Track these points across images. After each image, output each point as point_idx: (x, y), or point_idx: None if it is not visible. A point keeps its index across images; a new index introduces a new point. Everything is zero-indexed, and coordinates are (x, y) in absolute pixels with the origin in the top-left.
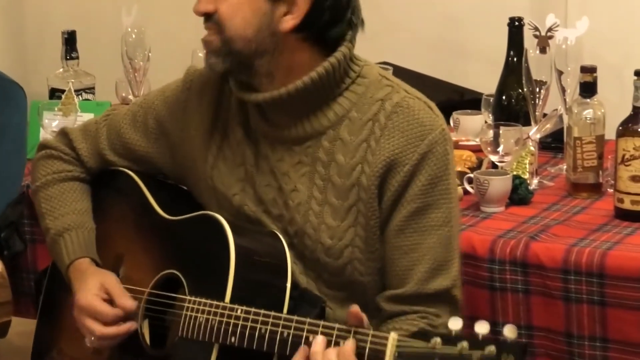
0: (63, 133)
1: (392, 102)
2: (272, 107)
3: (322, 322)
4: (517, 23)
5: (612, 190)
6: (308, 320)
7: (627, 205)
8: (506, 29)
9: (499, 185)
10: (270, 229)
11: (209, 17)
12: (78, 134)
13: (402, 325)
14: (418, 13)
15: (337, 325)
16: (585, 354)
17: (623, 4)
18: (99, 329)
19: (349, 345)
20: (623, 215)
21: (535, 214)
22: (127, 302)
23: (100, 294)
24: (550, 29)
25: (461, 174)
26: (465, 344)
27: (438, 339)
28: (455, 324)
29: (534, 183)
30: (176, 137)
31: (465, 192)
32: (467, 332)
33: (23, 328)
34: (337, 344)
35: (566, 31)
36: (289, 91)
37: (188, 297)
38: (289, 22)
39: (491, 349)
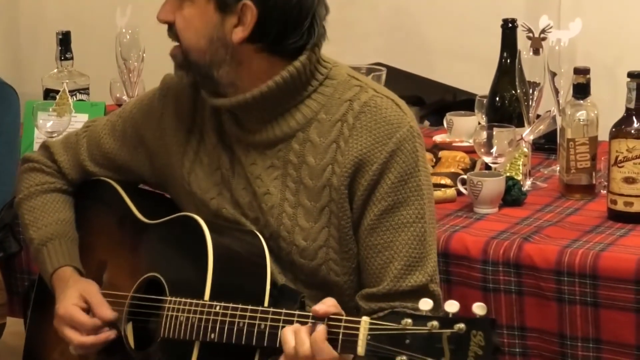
0: (44, 146)
1: (360, 102)
2: (241, 111)
3: (297, 312)
4: (510, 24)
5: (605, 191)
6: (284, 311)
7: (620, 206)
8: (499, 30)
9: (493, 186)
10: (248, 228)
11: (170, 28)
12: (59, 147)
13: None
14: (412, 14)
15: (311, 314)
16: (578, 355)
17: (615, 6)
18: (77, 338)
19: (321, 331)
20: (616, 216)
21: (528, 215)
22: (105, 312)
23: (80, 303)
24: (543, 31)
25: (455, 175)
26: (435, 322)
27: (409, 320)
28: (426, 304)
29: (527, 184)
30: (154, 144)
31: (459, 193)
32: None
33: (17, 328)
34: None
35: (559, 33)
36: (254, 96)
37: (168, 298)
38: (238, 33)
39: (460, 326)
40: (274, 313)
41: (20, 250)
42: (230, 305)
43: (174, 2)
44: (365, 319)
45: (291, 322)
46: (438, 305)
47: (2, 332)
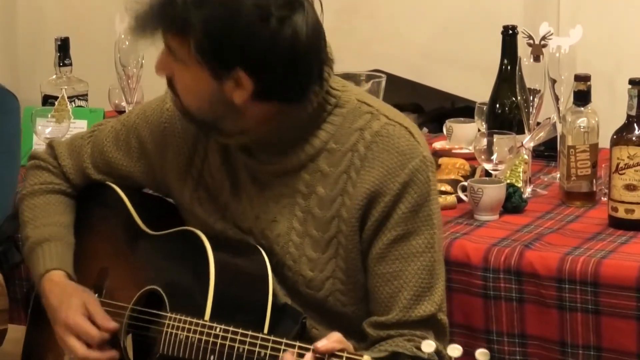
0: (51, 146)
1: (372, 131)
2: (249, 146)
3: (297, 344)
4: (510, 31)
5: (605, 198)
6: (284, 340)
7: (621, 214)
8: (500, 37)
9: (493, 193)
10: (252, 244)
11: (169, 81)
12: (64, 149)
13: (388, 348)
14: (411, 21)
15: (312, 347)
16: None
17: (614, 12)
18: (82, 350)
19: None
20: (617, 224)
21: (529, 223)
22: (110, 324)
23: (86, 314)
24: (544, 38)
25: (455, 182)
26: None
27: None
28: (428, 347)
29: (528, 191)
30: (156, 157)
31: (459, 200)
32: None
33: (17, 335)
34: None
35: (560, 39)
36: (260, 137)
37: (169, 314)
38: (239, 97)
39: None
40: (274, 342)
41: (22, 261)
42: (231, 329)
43: (167, 57)
44: (366, 357)
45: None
46: (445, 334)
47: (4, 338)
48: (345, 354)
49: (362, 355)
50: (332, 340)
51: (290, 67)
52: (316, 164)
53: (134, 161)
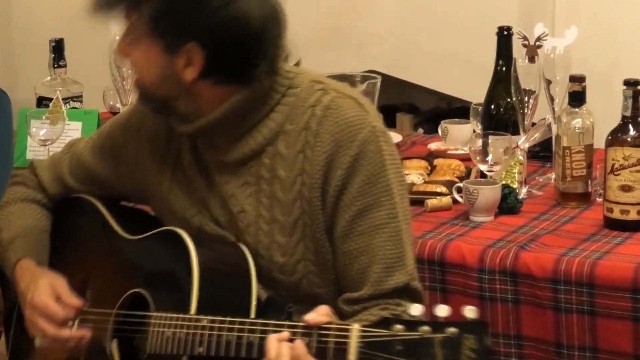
0: (30, 164)
1: (322, 106)
2: (207, 134)
3: (286, 322)
4: (505, 32)
5: (601, 199)
6: (272, 322)
7: (616, 214)
8: (495, 38)
9: (488, 194)
10: (231, 240)
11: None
12: (43, 164)
13: (362, 317)
14: (405, 21)
15: (300, 324)
16: None
17: (610, 13)
18: (51, 330)
19: (299, 344)
20: (612, 224)
21: (524, 224)
22: (75, 301)
23: (53, 294)
24: (539, 38)
25: (450, 183)
26: (426, 328)
27: (400, 326)
28: (416, 310)
29: (523, 192)
30: (132, 159)
31: (455, 201)
32: (429, 317)
33: None
34: None
35: (555, 40)
36: (213, 119)
37: (154, 314)
38: (190, 74)
39: (452, 330)
40: (262, 324)
41: None
42: (218, 318)
43: (124, 38)
44: (355, 327)
45: (281, 332)
46: (421, 301)
47: None
48: (334, 325)
49: (350, 324)
50: (320, 313)
51: (238, 48)
52: (275, 147)
53: (111, 166)
